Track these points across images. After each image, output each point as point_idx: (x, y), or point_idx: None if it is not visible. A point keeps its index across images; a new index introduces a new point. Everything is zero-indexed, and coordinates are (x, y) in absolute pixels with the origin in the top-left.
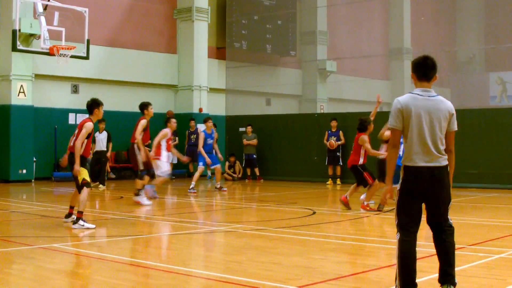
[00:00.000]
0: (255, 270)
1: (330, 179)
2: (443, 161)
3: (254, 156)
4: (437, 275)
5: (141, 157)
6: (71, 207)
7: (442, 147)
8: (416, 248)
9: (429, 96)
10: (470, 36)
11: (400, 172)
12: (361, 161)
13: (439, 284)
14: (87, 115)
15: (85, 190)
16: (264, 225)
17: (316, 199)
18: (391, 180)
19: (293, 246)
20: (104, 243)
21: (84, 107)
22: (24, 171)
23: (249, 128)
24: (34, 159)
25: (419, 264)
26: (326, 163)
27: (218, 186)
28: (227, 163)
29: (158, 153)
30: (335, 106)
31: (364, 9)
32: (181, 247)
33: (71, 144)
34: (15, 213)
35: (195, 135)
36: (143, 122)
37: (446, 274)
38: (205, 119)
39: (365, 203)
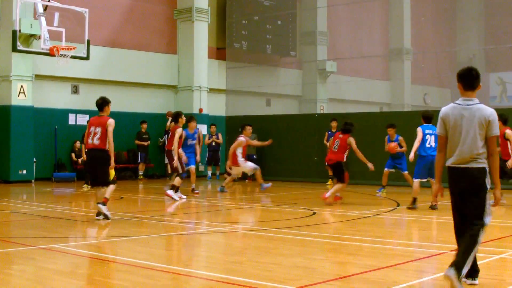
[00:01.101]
0: (255, 270)
1: (330, 179)
2: (477, 163)
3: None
4: (438, 275)
5: (175, 162)
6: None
7: (477, 151)
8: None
9: (467, 105)
10: (470, 37)
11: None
12: (344, 159)
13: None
14: (87, 116)
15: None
16: (264, 225)
17: (316, 199)
18: (439, 180)
19: (293, 246)
20: (104, 244)
21: (85, 108)
22: (24, 171)
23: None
24: (34, 160)
25: (421, 264)
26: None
27: (193, 187)
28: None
29: (235, 162)
30: (335, 107)
31: (364, 10)
32: (181, 248)
33: (95, 142)
34: (15, 214)
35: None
36: (179, 131)
37: (456, 263)
38: (188, 118)
39: (328, 195)
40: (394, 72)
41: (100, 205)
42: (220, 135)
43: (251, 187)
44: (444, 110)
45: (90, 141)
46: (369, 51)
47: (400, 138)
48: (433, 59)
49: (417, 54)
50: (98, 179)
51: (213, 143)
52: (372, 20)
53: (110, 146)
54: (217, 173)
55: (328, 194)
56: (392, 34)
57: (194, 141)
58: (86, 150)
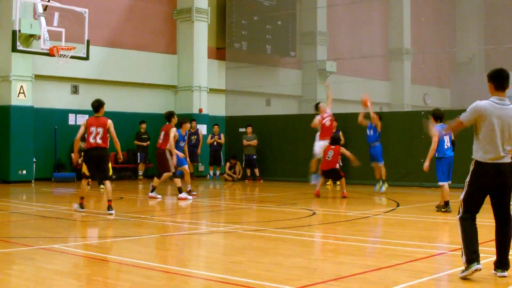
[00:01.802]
0: (255, 270)
1: (330, 179)
2: (508, 159)
3: (254, 156)
4: (441, 274)
5: (172, 161)
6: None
7: (509, 148)
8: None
9: (503, 105)
10: (470, 37)
11: (470, 165)
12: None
13: (494, 267)
14: (86, 116)
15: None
16: (264, 225)
17: (316, 199)
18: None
19: (293, 246)
20: (104, 244)
21: (84, 108)
22: (24, 171)
23: (249, 129)
24: (34, 160)
25: (421, 264)
26: None
27: (189, 188)
28: (228, 164)
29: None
30: (335, 107)
31: (363, 10)
32: (181, 248)
33: (98, 141)
34: (15, 214)
35: (195, 136)
36: (174, 130)
37: (501, 261)
38: (183, 119)
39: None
40: (394, 72)
41: (110, 211)
42: (222, 135)
43: (250, 187)
44: (481, 104)
45: (92, 140)
46: (369, 51)
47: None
48: (433, 59)
49: (417, 54)
50: (100, 175)
51: (215, 143)
52: (372, 20)
53: (117, 143)
54: (217, 173)
55: (344, 191)
56: (391, 34)
57: (184, 143)
58: (86, 149)
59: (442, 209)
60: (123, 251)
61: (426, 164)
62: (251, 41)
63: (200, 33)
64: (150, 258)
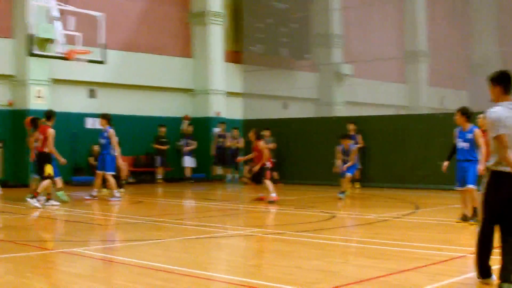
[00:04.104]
0: (274, 274)
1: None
2: None
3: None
4: (461, 277)
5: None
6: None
7: None
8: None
9: None
10: (485, 38)
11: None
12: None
13: (498, 278)
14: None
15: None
16: (283, 229)
17: (335, 202)
18: None
19: (313, 249)
20: (123, 247)
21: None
22: None
23: (267, 132)
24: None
25: (441, 267)
26: None
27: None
28: (246, 168)
29: None
30: (351, 109)
31: (378, 12)
32: (200, 251)
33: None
34: (35, 218)
35: (223, 138)
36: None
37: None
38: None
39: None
40: (410, 74)
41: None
42: (242, 140)
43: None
44: (501, 111)
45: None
46: (384, 54)
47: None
48: (448, 61)
49: (433, 56)
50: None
51: (233, 147)
52: (387, 22)
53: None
54: (235, 176)
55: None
56: (407, 36)
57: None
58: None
59: (474, 219)
60: (143, 255)
61: (483, 166)
62: (267, 44)
63: (215, 36)
64: (170, 261)
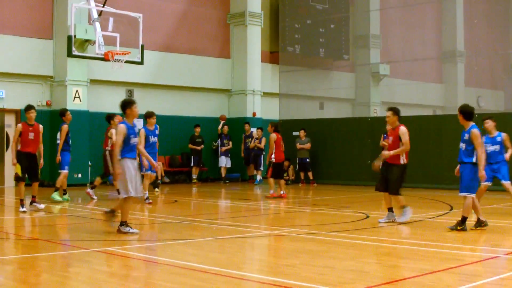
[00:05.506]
0: (308, 273)
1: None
2: None
3: (308, 160)
4: (494, 278)
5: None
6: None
7: None
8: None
9: None
10: None
11: None
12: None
13: None
14: (141, 120)
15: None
16: (317, 229)
17: (370, 203)
18: None
19: (347, 250)
20: (158, 247)
21: (139, 112)
22: (80, 175)
23: (303, 132)
24: (90, 163)
25: (474, 268)
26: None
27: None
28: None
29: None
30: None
31: (416, 12)
32: (234, 251)
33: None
34: (71, 217)
35: (250, 139)
36: (112, 131)
37: None
38: (148, 114)
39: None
40: (447, 74)
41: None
42: (264, 140)
43: (304, 190)
44: None
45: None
46: (422, 54)
47: (504, 135)
48: (486, 61)
49: (470, 56)
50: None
51: (256, 147)
52: (425, 23)
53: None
54: (259, 177)
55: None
56: (444, 37)
57: (156, 138)
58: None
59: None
60: (178, 254)
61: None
62: (304, 44)
63: (254, 37)
64: (204, 261)
